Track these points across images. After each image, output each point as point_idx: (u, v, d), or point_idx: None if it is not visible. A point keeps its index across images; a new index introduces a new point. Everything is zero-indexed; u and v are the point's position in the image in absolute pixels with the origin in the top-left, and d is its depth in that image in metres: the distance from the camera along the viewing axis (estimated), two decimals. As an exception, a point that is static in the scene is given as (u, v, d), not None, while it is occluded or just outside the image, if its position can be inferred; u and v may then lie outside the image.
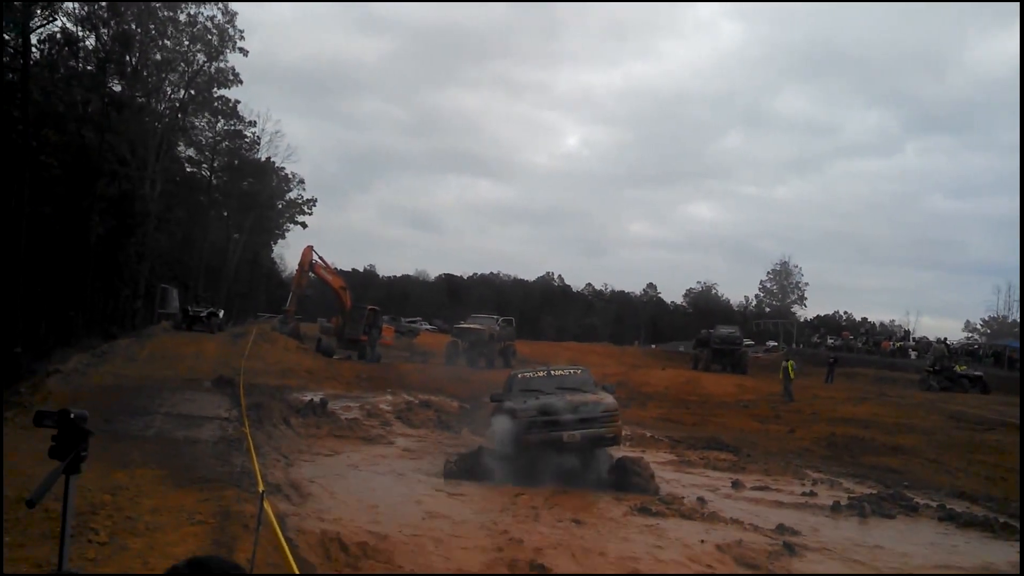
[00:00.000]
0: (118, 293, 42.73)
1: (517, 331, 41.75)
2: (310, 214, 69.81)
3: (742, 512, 11.16)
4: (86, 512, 7.09)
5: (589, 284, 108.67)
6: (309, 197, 69.96)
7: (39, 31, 33.46)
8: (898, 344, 51.12)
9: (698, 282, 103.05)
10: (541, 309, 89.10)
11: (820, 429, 20.80)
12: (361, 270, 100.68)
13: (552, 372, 14.40)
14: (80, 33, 38.02)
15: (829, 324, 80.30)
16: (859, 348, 51.68)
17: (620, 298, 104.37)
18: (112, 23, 39.12)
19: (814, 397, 27.87)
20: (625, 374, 33.55)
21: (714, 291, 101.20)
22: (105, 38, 39.20)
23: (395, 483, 12.04)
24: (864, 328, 75.34)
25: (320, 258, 36.19)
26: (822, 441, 19.38)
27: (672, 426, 21.98)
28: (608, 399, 13.03)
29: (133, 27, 40.76)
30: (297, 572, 5.89)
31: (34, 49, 33.04)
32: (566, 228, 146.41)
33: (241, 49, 48.99)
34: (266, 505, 5.81)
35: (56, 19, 34.97)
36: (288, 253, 79.63)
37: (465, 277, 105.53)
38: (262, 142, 60.22)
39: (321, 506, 9.94)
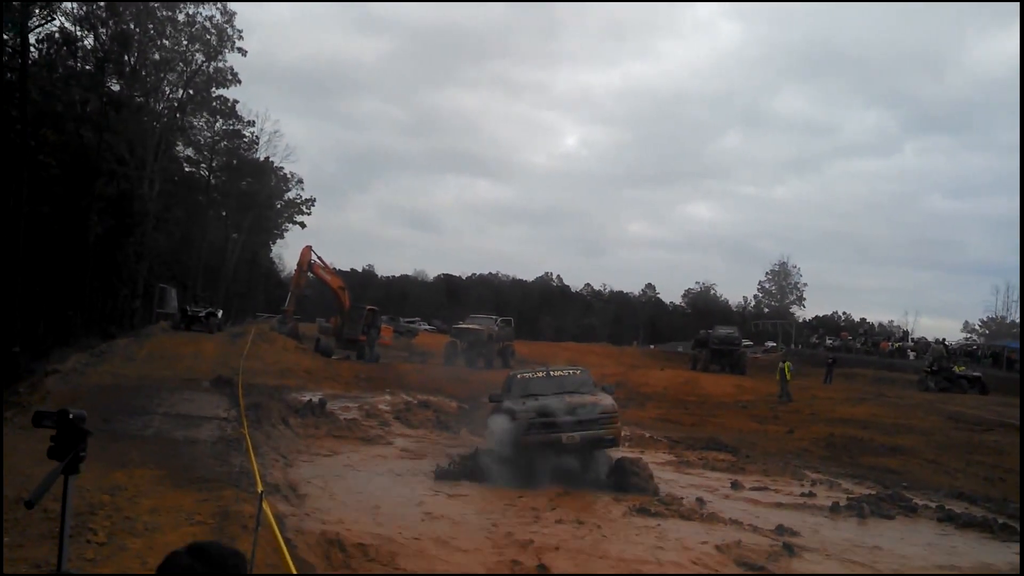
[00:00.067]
0: (116, 293, 42.68)
1: (516, 331, 41.74)
2: (309, 214, 69.86)
3: (741, 513, 11.16)
4: (85, 512, 7.08)
5: (588, 284, 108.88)
6: (308, 197, 70.00)
7: (37, 31, 33.53)
8: (897, 345, 51.15)
9: (697, 282, 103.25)
10: (540, 309, 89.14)
11: (819, 430, 20.81)
12: (360, 270, 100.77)
13: (551, 373, 14.38)
14: (78, 33, 38.06)
15: (828, 324, 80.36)
16: (858, 349, 51.71)
17: (619, 298, 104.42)
18: (110, 23, 39.11)
19: (813, 398, 27.89)
20: (624, 374, 33.53)
21: (713, 291, 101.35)
22: (103, 38, 39.19)
23: (394, 484, 12.03)
24: (863, 329, 75.41)
25: (319, 258, 36.19)
26: (821, 442, 19.39)
27: (671, 426, 21.99)
28: (607, 400, 13.02)
29: (131, 27, 40.73)
30: (295, 573, 5.87)
31: (32, 49, 33.08)
32: (565, 228, 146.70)
33: (240, 49, 49.01)
34: (265, 505, 5.80)
35: (54, 19, 35.03)
36: (287, 253, 79.64)
37: (464, 277, 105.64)
38: (261, 142, 60.31)
39: (320, 507, 9.93)
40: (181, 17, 46.13)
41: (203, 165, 60.20)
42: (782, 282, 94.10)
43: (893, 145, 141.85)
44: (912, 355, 46.09)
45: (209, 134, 57.50)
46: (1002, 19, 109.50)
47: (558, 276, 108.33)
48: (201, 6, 46.41)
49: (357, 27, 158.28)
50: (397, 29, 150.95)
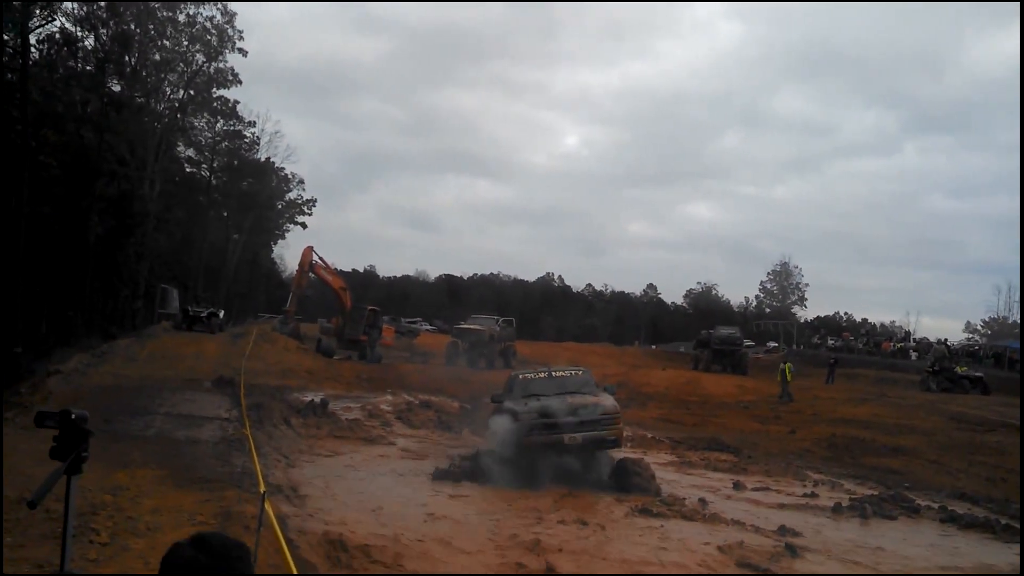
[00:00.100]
0: (118, 293, 42.71)
1: (517, 332, 41.73)
2: (310, 214, 69.87)
3: (743, 513, 11.15)
4: (87, 512, 7.07)
5: (589, 284, 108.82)
6: (308, 197, 70.01)
7: (38, 31, 33.51)
8: (898, 345, 51.11)
9: (698, 283, 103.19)
10: (541, 310, 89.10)
11: (821, 430, 20.79)
12: (361, 270, 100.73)
13: (553, 373, 14.37)
14: (79, 33, 38.04)
15: (829, 325, 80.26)
16: (859, 349, 51.64)
17: (620, 299, 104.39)
18: (111, 23, 39.12)
19: (815, 398, 27.88)
20: (625, 375, 33.52)
21: (714, 292, 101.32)
22: (104, 38, 39.20)
23: (396, 484, 12.02)
24: (864, 329, 75.32)
25: (320, 258, 36.21)
26: (823, 442, 19.38)
27: (672, 427, 21.97)
28: (609, 401, 13.01)
29: (132, 27, 40.75)
30: (297, 573, 5.87)
31: (33, 49, 33.07)
32: (565, 228, 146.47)
33: (240, 49, 49.03)
34: (267, 506, 5.79)
35: (55, 19, 34.99)
36: (288, 253, 79.68)
37: (465, 277, 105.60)
38: (261, 142, 60.31)
39: (322, 507, 9.92)
40: (182, 18, 46.21)
41: (204, 166, 60.27)
42: (783, 282, 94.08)
43: (893, 145, 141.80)
44: (914, 355, 46.04)
45: (210, 135, 57.57)
46: (1001, 19, 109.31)
47: (559, 276, 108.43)
48: (202, 6, 46.50)
49: (356, 27, 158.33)
50: (396, 29, 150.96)
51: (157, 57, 44.98)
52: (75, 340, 30.93)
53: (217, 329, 35.96)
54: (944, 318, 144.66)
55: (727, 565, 8.51)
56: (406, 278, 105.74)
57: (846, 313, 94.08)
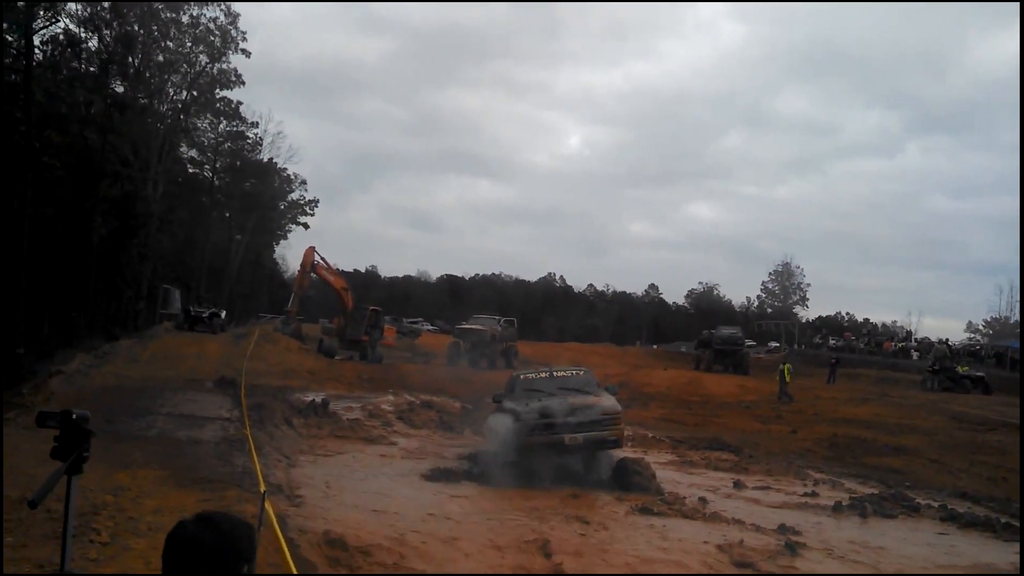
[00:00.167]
0: (120, 294, 42.80)
1: (519, 332, 41.73)
2: (312, 215, 69.99)
3: (744, 512, 11.16)
4: (88, 512, 7.11)
5: (591, 285, 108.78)
6: (311, 198, 70.15)
7: (42, 32, 33.64)
8: (900, 345, 51.08)
9: (700, 283, 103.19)
10: (543, 310, 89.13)
11: (822, 430, 20.79)
12: (363, 271, 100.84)
13: (554, 373, 14.40)
14: (83, 34, 38.22)
15: (831, 325, 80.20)
16: (861, 349, 51.61)
17: (622, 299, 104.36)
18: (115, 24, 39.22)
19: (816, 398, 27.86)
20: (627, 374, 33.53)
21: (716, 292, 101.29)
22: (108, 39, 39.32)
23: (397, 484, 12.05)
24: (866, 329, 75.24)
25: (322, 259, 36.26)
26: (824, 442, 19.38)
27: (674, 426, 21.97)
28: (610, 401, 13.02)
29: (136, 28, 40.85)
30: (297, 573, 5.90)
31: (37, 50, 33.16)
32: (567, 228, 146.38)
33: (243, 50, 49.20)
34: (267, 505, 5.83)
35: (59, 20, 35.13)
36: (290, 254, 79.79)
37: (467, 278, 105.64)
38: (264, 143, 60.41)
39: (323, 507, 9.95)
40: (185, 19, 46.33)
41: (207, 166, 60.37)
42: (785, 282, 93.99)
43: (895, 145, 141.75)
44: (915, 355, 46.01)
45: (213, 135, 57.70)
46: (1003, 19, 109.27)
47: (561, 276, 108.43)
48: (205, 7, 46.62)
49: (359, 27, 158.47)
50: (399, 29, 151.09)
51: (160, 58, 45.10)
52: (77, 341, 31.01)
53: (219, 330, 36.02)
54: (946, 318, 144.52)
55: (727, 563, 8.52)
56: (408, 278, 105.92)
57: (848, 313, 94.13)
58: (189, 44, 47.34)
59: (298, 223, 70.26)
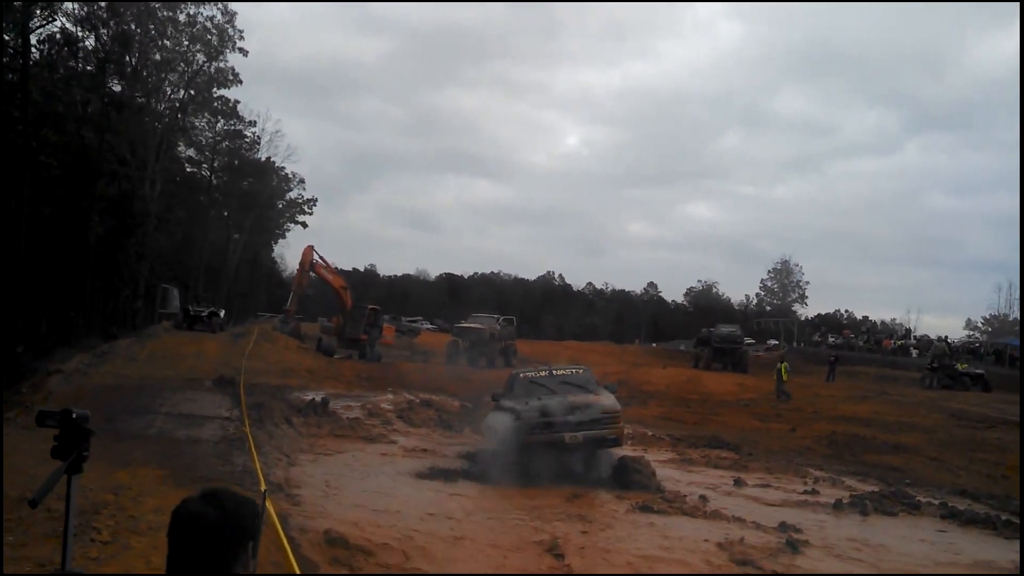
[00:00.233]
0: (118, 293, 42.76)
1: (518, 330, 41.74)
2: (310, 214, 69.93)
3: (744, 510, 11.15)
4: (88, 512, 7.09)
5: (590, 283, 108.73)
6: (309, 197, 70.08)
7: (39, 31, 33.56)
8: (899, 342, 51.12)
9: (699, 281, 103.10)
10: (542, 308, 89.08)
11: (821, 427, 20.79)
12: (361, 270, 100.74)
13: (554, 371, 14.39)
14: (80, 33, 38.09)
15: (830, 323, 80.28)
16: (860, 347, 51.67)
17: (621, 297, 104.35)
18: (111, 23, 39.14)
19: (815, 396, 27.87)
20: (626, 373, 33.52)
21: (714, 290, 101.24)
22: (105, 38, 39.22)
23: (397, 482, 12.03)
24: (865, 327, 75.36)
25: (320, 258, 36.24)
26: (823, 439, 19.38)
27: (673, 425, 21.97)
28: (610, 400, 13.02)
29: (133, 27, 40.76)
30: (298, 572, 5.89)
31: (34, 49, 33.10)
32: (565, 228, 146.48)
33: (241, 49, 49.06)
34: (268, 504, 5.81)
35: (55, 19, 35.07)
36: (288, 253, 79.80)
37: (465, 276, 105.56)
38: (262, 142, 60.37)
39: (323, 505, 9.93)
40: (182, 17, 46.24)
41: (204, 165, 60.32)
42: (784, 280, 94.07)
43: (894, 144, 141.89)
44: (915, 353, 46.06)
45: (210, 134, 57.63)
46: (1002, 19, 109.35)
47: (560, 275, 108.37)
48: (202, 6, 46.52)
49: (357, 27, 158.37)
50: (397, 29, 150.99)
51: (158, 57, 45.00)
52: (76, 340, 30.98)
53: (218, 329, 36.00)
54: (945, 316, 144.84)
55: (728, 561, 8.52)
56: (406, 277, 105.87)
57: (847, 311, 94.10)
58: (186, 43, 47.27)
59: (296, 222, 70.31)
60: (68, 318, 35.76)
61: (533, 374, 14.48)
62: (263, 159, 61.31)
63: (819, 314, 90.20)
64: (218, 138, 58.01)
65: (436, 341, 44.74)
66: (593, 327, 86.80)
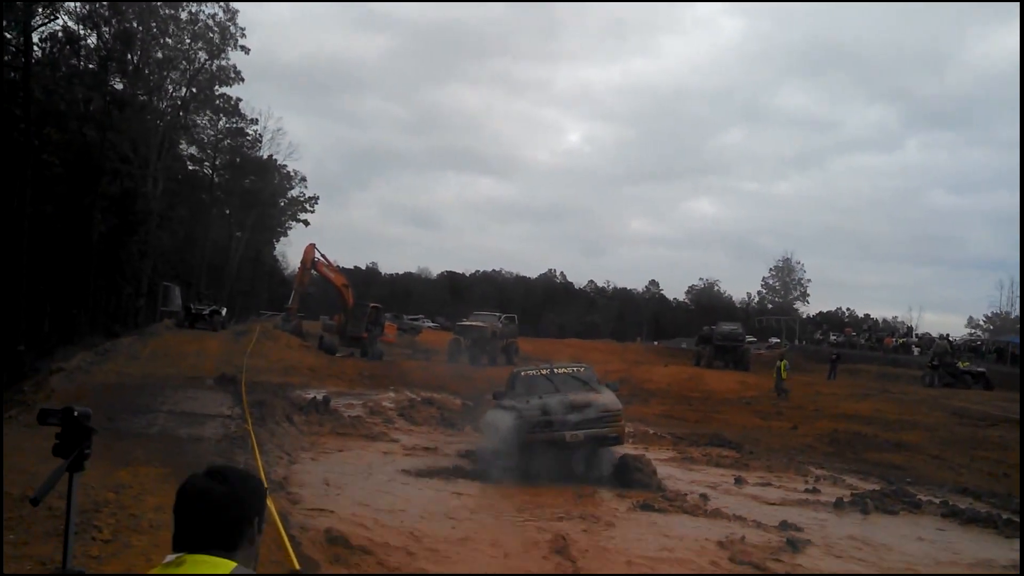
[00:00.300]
0: (120, 291, 42.80)
1: (519, 328, 41.74)
2: (312, 212, 69.94)
3: (745, 509, 11.16)
4: (90, 510, 7.09)
5: (591, 281, 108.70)
6: (311, 195, 70.09)
7: (41, 29, 33.55)
8: (900, 340, 51.08)
9: (700, 279, 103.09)
10: (543, 306, 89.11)
11: (823, 425, 20.79)
12: (363, 268, 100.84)
13: (555, 370, 14.37)
14: (82, 31, 38.13)
15: (832, 320, 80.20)
16: (862, 344, 51.64)
17: (622, 295, 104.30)
18: (113, 21, 39.15)
19: (816, 394, 27.86)
20: (627, 371, 33.52)
21: (716, 288, 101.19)
22: (106, 36, 39.24)
23: (398, 481, 12.05)
24: (866, 325, 75.27)
25: (322, 256, 36.26)
26: (825, 438, 19.37)
27: (674, 423, 21.96)
28: (611, 398, 13.01)
29: (134, 25, 40.77)
30: (299, 569, 5.90)
31: (36, 47, 33.10)
32: (567, 225, 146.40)
33: (242, 47, 49.10)
34: (269, 502, 5.81)
35: (57, 17, 35.09)
36: (290, 251, 79.91)
37: (467, 274, 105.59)
38: (264, 140, 60.42)
39: (324, 504, 9.95)
40: (184, 15, 46.26)
41: (206, 163, 60.36)
42: (786, 278, 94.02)
43: (895, 141, 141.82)
44: (916, 351, 46.01)
45: (212, 132, 57.68)
46: (1003, 16, 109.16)
47: (561, 273, 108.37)
48: (204, 4, 46.57)
49: (358, 25, 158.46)
50: (398, 27, 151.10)
51: (159, 55, 45.05)
52: (78, 338, 31.01)
53: (219, 327, 36.02)
54: (946, 314, 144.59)
55: (728, 560, 8.52)
56: (408, 275, 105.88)
57: (848, 309, 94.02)
58: (188, 41, 47.30)
59: (298, 220, 70.32)
60: (70, 316, 35.81)
61: (534, 372, 14.46)
62: (265, 157, 61.38)
63: (821, 312, 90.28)
64: (220, 136, 58.06)
65: (438, 339, 44.76)
66: (594, 325, 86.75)
